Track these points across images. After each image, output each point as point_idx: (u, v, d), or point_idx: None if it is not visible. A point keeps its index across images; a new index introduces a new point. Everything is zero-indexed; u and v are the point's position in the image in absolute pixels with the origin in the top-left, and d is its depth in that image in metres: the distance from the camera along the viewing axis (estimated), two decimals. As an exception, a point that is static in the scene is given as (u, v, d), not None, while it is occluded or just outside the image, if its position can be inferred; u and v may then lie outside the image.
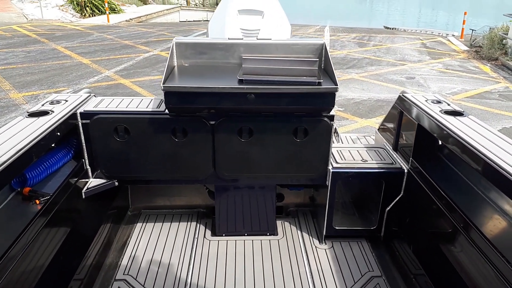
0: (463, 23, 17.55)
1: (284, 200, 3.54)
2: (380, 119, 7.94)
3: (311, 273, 2.87)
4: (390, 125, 3.29)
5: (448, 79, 10.89)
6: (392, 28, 24.11)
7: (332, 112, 2.72)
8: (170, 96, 2.53)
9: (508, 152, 2.02)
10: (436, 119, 2.49)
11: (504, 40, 13.48)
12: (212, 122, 2.73)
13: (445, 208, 2.36)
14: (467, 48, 15.31)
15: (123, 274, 2.85)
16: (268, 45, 2.91)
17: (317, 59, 2.82)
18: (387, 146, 3.25)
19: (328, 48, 2.90)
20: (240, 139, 2.76)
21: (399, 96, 3.07)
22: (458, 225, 2.23)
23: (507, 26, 14.07)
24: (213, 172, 2.88)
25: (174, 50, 2.89)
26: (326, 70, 2.85)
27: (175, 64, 2.93)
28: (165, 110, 2.73)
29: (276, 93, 2.52)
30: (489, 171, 1.94)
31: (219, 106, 2.60)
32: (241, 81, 2.55)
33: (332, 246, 3.13)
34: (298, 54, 2.91)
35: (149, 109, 2.78)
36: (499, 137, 2.23)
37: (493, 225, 2.15)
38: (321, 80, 2.54)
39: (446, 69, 12.06)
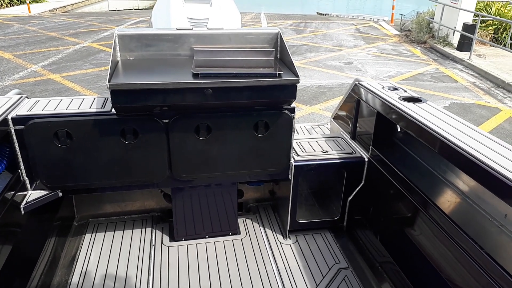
0: (393, 8, 18.29)
1: (244, 196, 3.41)
2: (324, 105, 8.07)
3: (279, 271, 2.78)
4: (346, 114, 3.26)
5: (383, 63, 11.30)
6: (325, 14, 24.62)
7: (292, 105, 2.61)
8: (117, 94, 2.28)
9: (467, 134, 2.08)
10: (396, 107, 2.48)
11: (430, 24, 14.24)
12: (166, 121, 2.51)
13: (407, 192, 2.38)
14: (398, 32, 16.00)
15: None
16: (220, 35, 2.73)
17: (273, 49, 2.69)
18: (344, 135, 3.22)
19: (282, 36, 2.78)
20: (197, 137, 2.57)
21: (355, 84, 3.04)
22: (421, 207, 2.27)
23: (433, 11, 14.88)
24: (169, 174, 2.67)
25: (117, 43, 2.61)
26: (283, 60, 2.73)
27: (119, 58, 2.65)
28: (111, 110, 2.47)
29: (235, 87, 2.36)
30: (451, 153, 1.98)
31: (173, 103, 2.39)
32: (196, 75, 2.35)
33: (297, 240, 3.06)
34: (253, 44, 2.76)
35: (93, 109, 2.50)
36: (458, 121, 2.27)
37: (453, 203, 2.20)
38: (281, 72, 2.41)
39: (381, 53, 12.50)
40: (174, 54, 2.73)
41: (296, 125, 3.85)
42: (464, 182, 2.19)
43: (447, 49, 12.44)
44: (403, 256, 2.47)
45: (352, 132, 3.11)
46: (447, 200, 2.25)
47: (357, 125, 3.07)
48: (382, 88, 2.84)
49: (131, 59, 2.67)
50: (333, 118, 3.50)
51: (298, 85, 2.44)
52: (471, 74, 10.48)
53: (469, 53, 11.41)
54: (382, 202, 2.73)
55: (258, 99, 2.46)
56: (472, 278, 1.88)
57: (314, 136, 3.22)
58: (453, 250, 2.01)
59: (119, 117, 2.46)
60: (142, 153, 2.56)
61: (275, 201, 3.46)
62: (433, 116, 2.34)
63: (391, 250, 2.60)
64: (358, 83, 3.00)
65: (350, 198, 3.00)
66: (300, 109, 7.71)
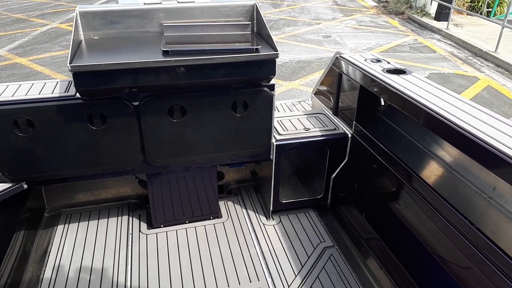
0: (369, -21, 18.01)
1: (224, 178, 3.29)
2: (304, 80, 7.93)
3: (263, 253, 2.69)
4: (327, 89, 3.14)
5: (362, 35, 11.16)
6: (303, -13, 24.14)
7: (272, 81, 2.47)
8: (81, 77, 2.09)
9: (453, 104, 2.00)
10: (380, 79, 2.36)
11: (408, -6, 14.12)
12: (136, 103, 2.34)
13: (392, 166, 2.31)
14: (376, 4, 15.82)
15: None
16: (191, 9, 2.53)
17: (249, 23, 2.52)
18: (326, 111, 3.11)
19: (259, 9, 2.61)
20: (171, 119, 2.41)
21: (336, 57, 2.91)
22: (406, 181, 2.20)
23: (409, -19, 14.72)
24: (143, 160, 2.52)
25: (79, 22, 2.40)
26: (260, 34, 2.57)
27: (82, 38, 2.44)
28: (75, 94, 2.28)
29: (210, 64, 2.19)
30: (437, 125, 1.91)
31: (142, 84, 2.21)
32: (166, 53, 2.18)
33: (280, 221, 2.97)
34: (227, 18, 2.58)
35: (56, 94, 2.30)
36: (444, 91, 2.18)
37: (439, 176, 2.14)
38: (259, 46, 2.26)
39: (359, 25, 12.35)
40: (142, 31, 2.53)
41: (277, 102, 3.72)
42: (451, 154, 2.12)
43: (425, 19, 12.37)
44: (389, 231, 2.41)
45: (334, 108, 3.00)
46: (434, 174, 2.18)
47: (339, 100, 2.95)
48: (365, 60, 2.71)
49: (95, 38, 2.47)
50: (314, 94, 3.37)
51: (276, 60, 2.30)
52: (449, 44, 10.46)
53: (446, 22, 11.36)
54: (366, 178, 2.65)
55: (235, 77, 2.31)
56: (460, 251, 1.83)
57: (295, 113, 3.09)
58: (440, 224, 1.96)
59: (84, 101, 2.27)
60: (112, 138, 2.39)
61: (257, 181, 3.35)
62: (418, 87, 2.24)
63: (376, 226, 2.54)
64: (340, 56, 2.87)
65: (333, 175, 2.91)
66: (280, 85, 7.57)
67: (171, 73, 2.17)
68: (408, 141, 2.42)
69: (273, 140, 2.68)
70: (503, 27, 8.86)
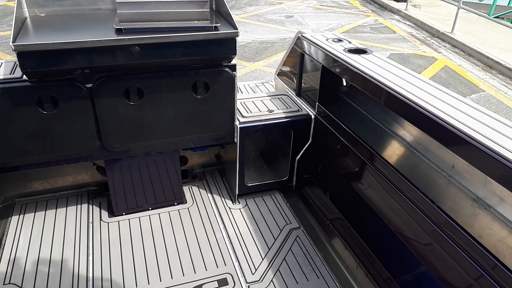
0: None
1: (188, 162, 3.20)
2: (268, 61, 7.86)
3: (229, 238, 2.66)
4: (290, 69, 3.10)
5: (324, 15, 11.17)
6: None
7: (233, 61, 2.39)
8: (26, 57, 1.94)
9: (414, 84, 2.01)
10: (342, 59, 2.34)
11: (368, -25, 14.20)
12: (89, 85, 2.20)
13: (354, 147, 2.33)
14: (337, -16, 15.86)
15: (3, 284, 2.31)
16: None
17: (208, 0, 2.42)
18: (289, 92, 3.07)
19: None
20: (128, 102, 2.30)
21: (298, 37, 2.86)
22: (368, 161, 2.22)
23: (370, -39, 14.79)
24: (100, 145, 2.40)
25: None
26: (219, 11, 2.47)
27: (27, 15, 2.26)
28: (22, 76, 2.11)
29: (166, 42, 2.09)
30: (398, 105, 1.92)
31: (95, 64, 2.08)
32: (119, 31, 2.05)
33: (246, 204, 2.94)
34: None
35: (0, 76, 2.13)
36: (404, 71, 2.19)
37: (401, 156, 2.18)
38: (218, 24, 2.17)
39: (321, 5, 12.34)
40: (93, 8, 2.37)
41: (240, 84, 3.64)
42: (412, 134, 2.15)
43: (384, 0, 12.52)
44: (352, 211, 2.43)
45: (297, 89, 2.96)
46: (395, 153, 2.21)
47: (302, 81, 2.92)
48: (326, 40, 2.68)
49: (41, 15, 2.29)
50: (277, 75, 3.33)
51: (239, 40, 2.22)
52: (408, 25, 10.66)
53: (405, 3, 11.56)
54: (330, 159, 2.66)
55: (194, 56, 2.21)
56: (421, 228, 1.87)
57: (259, 95, 3.04)
58: (402, 203, 1.99)
59: (32, 84, 2.11)
60: (65, 123, 2.25)
61: (221, 165, 3.29)
62: (380, 67, 2.24)
63: (340, 206, 2.56)
64: (301, 35, 2.82)
65: (298, 157, 2.90)
66: (243, 66, 7.46)
67: (125, 52, 2.05)
68: (370, 121, 2.43)
69: (237, 123, 2.62)
70: (458, 8, 9.11)
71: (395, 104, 1.96)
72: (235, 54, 2.28)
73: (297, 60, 2.90)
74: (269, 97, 2.98)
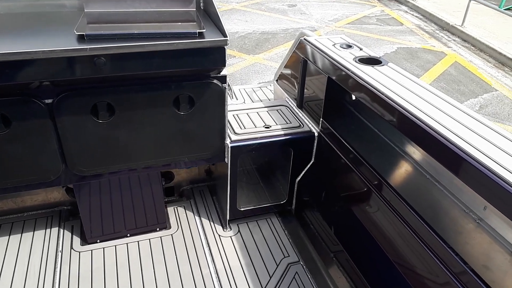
0: None
1: (174, 178, 2.84)
2: (269, 54, 7.43)
3: (217, 273, 2.31)
4: (291, 76, 2.71)
5: (328, 5, 10.69)
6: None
7: (224, 72, 2.01)
8: None
9: (436, 106, 1.69)
10: (352, 71, 1.96)
11: (375, -38, 13.64)
12: (48, 101, 1.83)
13: (361, 171, 2.00)
14: (342, -29, 15.29)
15: None
16: None
17: None
18: (289, 103, 2.69)
19: None
20: (96, 120, 1.92)
21: (300, 40, 2.47)
22: (375, 188, 1.92)
23: None
24: (65, 169, 2.03)
25: None
26: (207, 11, 2.08)
27: None
28: None
29: (138, 53, 1.71)
30: (413, 130, 1.62)
31: (51, 79, 1.71)
32: (81, 38, 1.67)
33: (239, 231, 2.59)
34: None
35: None
36: (425, 88, 1.83)
37: (411, 183, 1.85)
38: (203, 30, 1.78)
39: (325, -6, 11.85)
40: (56, 4, 1.99)
41: (235, 88, 3.26)
42: (430, 162, 1.79)
43: (392, -11, 12.00)
44: (356, 245, 2.09)
45: (298, 99, 2.58)
46: (407, 182, 1.86)
47: (304, 91, 2.54)
48: (333, 45, 2.29)
49: None
50: (277, 80, 2.94)
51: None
52: (416, 16, 10.19)
53: (414, -7, 11.06)
54: (334, 182, 2.30)
55: (174, 69, 1.84)
56: (434, 273, 1.57)
57: (255, 105, 2.66)
58: (414, 244, 1.68)
59: None
60: (21, 145, 1.89)
61: (212, 181, 2.93)
62: (395, 82, 1.87)
63: (342, 238, 2.22)
64: (304, 39, 2.43)
65: (298, 178, 2.54)
66: (243, 59, 7.06)
67: (89, 64, 1.68)
68: (381, 142, 2.07)
69: (228, 141, 2.25)
70: (470, 0, 8.63)
71: (411, 129, 1.63)
72: (224, 66, 1.90)
73: (299, 66, 2.51)
74: (266, 109, 2.60)
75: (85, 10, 1.92)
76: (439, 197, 1.68)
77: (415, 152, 1.88)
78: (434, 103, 1.71)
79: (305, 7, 10.34)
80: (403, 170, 1.93)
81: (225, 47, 1.82)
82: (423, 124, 1.57)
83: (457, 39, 8.74)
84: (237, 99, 3.04)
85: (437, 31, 9.16)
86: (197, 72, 1.94)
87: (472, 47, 8.31)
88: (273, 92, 3.11)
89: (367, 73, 1.95)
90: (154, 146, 2.09)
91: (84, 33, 1.66)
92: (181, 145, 2.14)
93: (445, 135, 1.48)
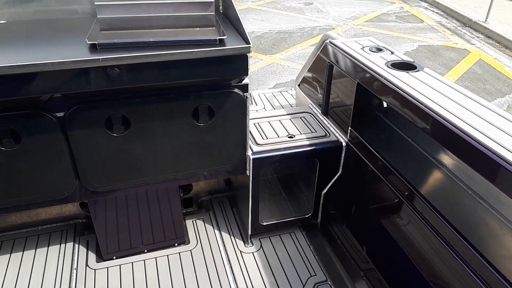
0: None
1: (192, 189, 2.71)
2: (285, 54, 7.27)
3: None
4: (314, 81, 2.55)
5: (346, 2, 10.45)
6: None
7: (245, 80, 1.86)
8: None
9: (477, 114, 1.55)
10: (384, 77, 1.80)
11: (392, -43, 13.33)
12: (60, 114, 1.71)
13: (393, 184, 1.85)
14: (358, -32, 15.00)
15: None
16: None
17: (212, 0, 1.89)
18: (314, 109, 2.53)
19: None
20: (110, 133, 1.80)
21: (325, 43, 2.31)
22: (409, 202, 1.77)
23: None
24: (79, 185, 1.92)
25: None
26: (227, 15, 1.94)
27: None
28: None
29: (153, 63, 1.58)
30: (453, 142, 1.49)
31: (61, 92, 1.59)
32: (93, 47, 1.55)
33: (261, 246, 2.44)
34: None
35: None
36: (466, 95, 1.67)
37: (446, 196, 1.69)
38: (224, 37, 1.64)
39: (342, -9, 11.60)
40: (68, 10, 1.87)
41: (254, 93, 3.12)
42: (465, 170, 1.63)
43: (410, -15, 11.69)
44: (388, 264, 1.93)
45: (324, 106, 2.42)
46: (443, 196, 1.69)
47: (330, 96, 2.38)
48: (362, 48, 2.13)
49: (0, 22, 1.80)
50: (299, 85, 2.78)
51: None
52: (437, 13, 9.89)
53: (434, -12, 10.74)
54: (363, 195, 2.14)
55: (193, 79, 1.70)
56: None
57: (277, 113, 2.51)
58: (453, 262, 1.53)
59: None
60: (31, 161, 1.78)
61: (231, 191, 2.79)
62: (432, 89, 1.70)
63: (373, 255, 2.05)
64: (330, 42, 2.27)
65: (324, 191, 2.38)
66: (259, 60, 6.91)
67: (101, 76, 1.55)
68: (415, 151, 1.90)
69: (249, 153, 2.11)
70: (494, -5, 8.32)
71: (448, 138, 1.49)
72: (247, 75, 1.75)
73: (323, 71, 2.36)
74: (289, 116, 2.45)
75: (97, 16, 1.80)
76: (478, 210, 1.52)
77: (451, 162, 1.72)
78: (473, 110, 1.56)
79: (321, 5, 10.13)
80: (438, 181, 1.77)
81: (248, 54, 1.68)
82: (460, 132, 1.43)
83: (480, 35, 8.42)
84: (256, 105, 2.90)
85: (459, 28, 8.85)
86: (217, 82, 1.81)
87: (496, 44, 7.99)
88: (294, 97, 2.96)
89: (402, 80, 1.79)
90: (172, 160, 1.96)
91: (96, 42, 1.54)
92: (200, 158, 2.01)
93: (484, 143, 1.35)
